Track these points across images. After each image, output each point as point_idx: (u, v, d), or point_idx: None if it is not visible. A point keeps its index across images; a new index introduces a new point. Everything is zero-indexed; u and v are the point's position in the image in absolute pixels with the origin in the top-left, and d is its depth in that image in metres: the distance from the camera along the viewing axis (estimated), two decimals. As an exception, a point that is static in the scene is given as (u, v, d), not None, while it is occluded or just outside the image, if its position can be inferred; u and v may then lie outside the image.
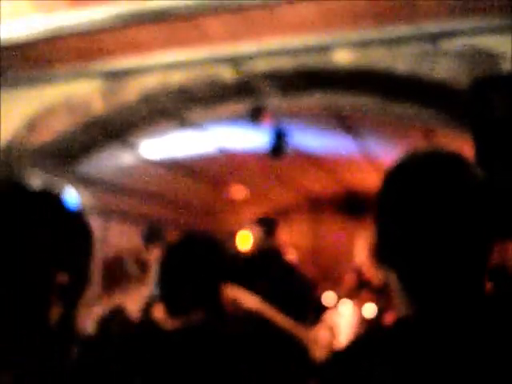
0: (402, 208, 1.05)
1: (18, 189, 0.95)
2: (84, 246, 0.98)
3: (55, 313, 0.89)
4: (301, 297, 6.23)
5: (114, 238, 7.28)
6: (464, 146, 4.27)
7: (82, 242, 0.97)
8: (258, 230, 4.99)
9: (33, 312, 0.87)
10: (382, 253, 1.08)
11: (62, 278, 0.89)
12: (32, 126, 4.56)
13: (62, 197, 0.99)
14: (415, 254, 1.02)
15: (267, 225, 5.12)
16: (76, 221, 0.97)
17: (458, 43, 3.41)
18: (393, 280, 1.07)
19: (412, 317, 1.03)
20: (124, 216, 7.40)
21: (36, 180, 4.62)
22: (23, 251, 0.85)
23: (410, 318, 1.04)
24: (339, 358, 1.12)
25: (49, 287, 0.88)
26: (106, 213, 7.07)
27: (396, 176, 1.10)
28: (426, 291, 1.03)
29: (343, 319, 7.53)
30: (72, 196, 3.57)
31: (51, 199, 0.98)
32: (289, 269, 5.38)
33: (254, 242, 5.15)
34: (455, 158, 1.08)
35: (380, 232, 1.08)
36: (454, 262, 1.01)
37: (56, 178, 4.89)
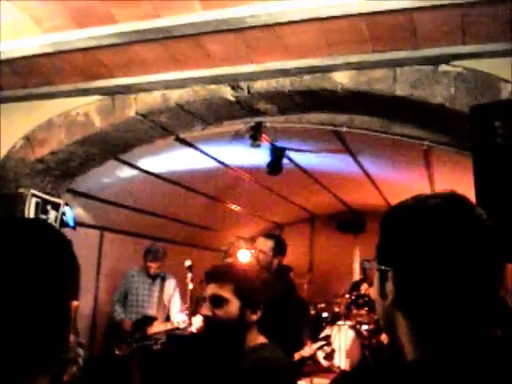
0: (421, 255, 1.04)
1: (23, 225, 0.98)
2: (79, 275, 1.00)
3: (72, 337, 0.95)
4: (300, 315, 6.25)
5: (110, 252, 7.26)
6: (461, 166, 4.29)
7: (78, 271, 1.00)
8: (268, 246, 4.96)
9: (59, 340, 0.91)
10: (400, 300, 1.07)
11: (75, 305, 0.94)
12: (30, 141, 4.56)
13: (54, 228, 1.03)
14: (432, 302, 1.03)
15: (278, 242, 5.11)
16: (72, 250, 1.00)
17: (457, 67, 3.42)
18: (403, 325, 1.07)
19: (421, 359, 1.04)
20: (122, 231, 7.38)
21: (33, 195, 4.61)
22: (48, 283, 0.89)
23: (419, 361, 1.04)
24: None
25: (69, 313, 0.93)
26: (104, 228, 7.07)
27: (414, 222, 1.08)
28: (437, 337, 1.03)
29: (342, 338, 7.54)
30: (69, 211, 3.54)
31: (53, 231, 1.01)
32: (292, 286, 5.37)
33: (256, 257, 5.10)
34: (462, 202, 1.09)
35: (400, 280, 1.06)
36: (467, 308, 1.03)
37: (54, 194, 4.87)
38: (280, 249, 4.90)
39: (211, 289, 2.39)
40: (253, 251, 4.75)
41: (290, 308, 4.94)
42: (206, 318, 2.37)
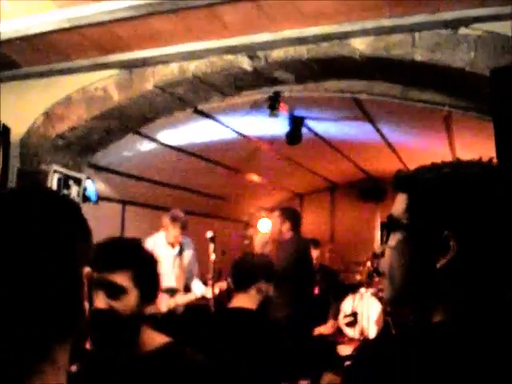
0: (486, 219, 1.09)
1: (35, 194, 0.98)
2: (90, 240, 1.00)
3: (87, 305, 0.93)
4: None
5: (133, 225, 7.33)
6: (482, 131, 4.25)
7: (89, 236, 0.99)
8: (283, 219, 5.05)
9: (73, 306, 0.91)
10: (456, 262, 1.09)
11: (86, 271, 0.93)
12: (50, 117, 4.59)
13: (66, 196, 1.03)
14: (487, 265, 1.08)
15: (293, 216, 5.17)
16: (80, 215, 1.00)
17: (477, 30, 3.37)
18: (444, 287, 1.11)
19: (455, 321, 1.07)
20: (143, 204, 7.44)
21: (55, 171, 4.65)
22: (56, 249, 0.88)
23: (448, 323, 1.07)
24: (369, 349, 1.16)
25: (81, 280, 0.92)
26: (126, 201, 7.13)
27: (478, 187, 1.11)
28: (478, 301, 1.07)
29: (364, 306, 7.58)
30: (91, 186, 3.58)
31: (64, 199, 1.00)
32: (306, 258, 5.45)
33: (273, 228, 5.17)
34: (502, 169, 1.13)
35: (463, 242, 1.08)
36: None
37: (75, 169, 4.92)
38: (287, 216, 4.97)
39: (106, 276, 1.88)
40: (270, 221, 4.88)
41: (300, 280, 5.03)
42: (101, 313, 1.84)
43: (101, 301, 1.83)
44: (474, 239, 1.07)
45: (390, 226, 1.20)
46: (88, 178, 5.13)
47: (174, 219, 6.09)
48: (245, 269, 3.13)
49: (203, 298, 6.13)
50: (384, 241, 1.22)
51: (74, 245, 0.92)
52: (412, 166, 1.26)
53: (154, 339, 1.95)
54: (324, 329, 5.93)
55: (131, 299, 1.89)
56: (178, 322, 6.02)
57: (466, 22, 3.37)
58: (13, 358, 0.83)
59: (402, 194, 1.20)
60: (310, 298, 5.72)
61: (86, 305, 0.93)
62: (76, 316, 0.91)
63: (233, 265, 3.20)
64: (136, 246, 2.05)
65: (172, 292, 6.18)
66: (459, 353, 0.99)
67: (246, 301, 3.03)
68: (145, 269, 1.96)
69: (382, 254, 1.22)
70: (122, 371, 1.85)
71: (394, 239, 1.17)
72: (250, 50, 3.96)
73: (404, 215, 1.16)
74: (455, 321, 1.05)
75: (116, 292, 1.86)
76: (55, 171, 4.64)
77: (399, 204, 1.19)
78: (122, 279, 1.88)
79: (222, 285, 6.19)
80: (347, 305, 7.70)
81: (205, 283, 6.10)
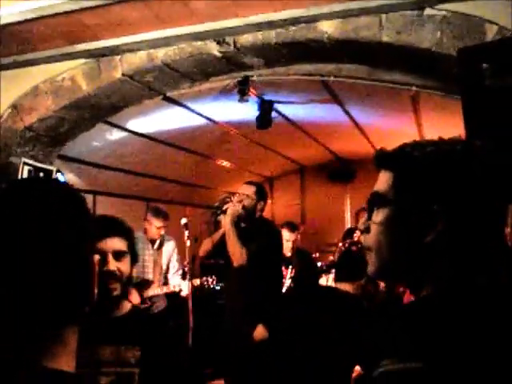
0: (474, 196, 1.16)
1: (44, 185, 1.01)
2: (93, 229, 1.04)
3: (96, 290, 0.98)
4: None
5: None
6: (449, 110, 4.32)
7: (93, 225, 1.04)
8: (252, 190, 4.97)
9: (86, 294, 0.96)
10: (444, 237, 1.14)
11: (96, 259, 0.98)
12: (18, 109, 4.53)
13: (71, 187, 1.05)
14: (470, 239, 1.15)
15: (260, 188, 5.12)
16: (86, 205, 1.03)
17: (442, 10, 3.41)
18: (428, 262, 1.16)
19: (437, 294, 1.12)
20: (114, 194, 7.39)
21: (24, 163, 4.60)
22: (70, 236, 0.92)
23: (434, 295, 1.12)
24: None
25: (91, 266, 0.97)
26: (96, 192, 7.07)
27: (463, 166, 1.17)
28: (460, 274, 1.12)
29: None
30: (62, 178, 3.58)
31: (69, 191, 1.04)
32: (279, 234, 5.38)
33: (240, 201, 5.08)
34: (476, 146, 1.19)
35: (451, 217, 1.13)
36: (488, 247, 1.15)
37: (45, 161, 4.87)
38: (262, 194, 4.93)
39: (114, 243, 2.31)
40: (235, 197, 4.76)
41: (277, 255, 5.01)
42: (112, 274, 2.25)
43: (110, 263, 2.25)
44: (460, 213, 1.12)
45: (375, 202, 1.23)
46: (58, 169, 5.08)
47: (156, 212, 6.16)
48: (359, 262, 3.47)
49: (178, 291, 6.15)
50: (368, 217, 1.25)
51: (85, 233, 0.95)
52: (381, 147, 1.30)
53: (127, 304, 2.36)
54: None
55: (128, 260, 2.34)
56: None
57: (432, 2, 3.41)
58: (27, 341, 0.86)
59: (386, 171, 1.23)
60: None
61: (96, 289, 0.97)
62: (87, 301, 0.95)
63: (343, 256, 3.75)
64: (122, 220, 2.48)
65: (145, 284, 6.19)
66: (442, 325, 1.02)
67: (350, 289, 3.50)
68: (132, 237, 2.42)
69: (367, 230, 1.24)
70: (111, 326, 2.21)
71: (380, 215, 1.20)
72: (219, 36, 3.95)
73: (390, 191, 1.19)
74: (441, 294, 1.10)
75: (120, 255, 2.30)
76: (25, 164, 4.59)
77: (384, 181, 1.22)
78: (122, 245, 2.32)
79: (195, 282, 6.23)
80: (321, 285, 7.78)
81: (183, 277, 6.13)
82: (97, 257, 0.97)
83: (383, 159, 1.25)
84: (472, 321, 1.01)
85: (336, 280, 3.82)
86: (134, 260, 2.41)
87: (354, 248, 8.55)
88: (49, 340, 0.88)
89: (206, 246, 5.02)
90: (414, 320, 1.06)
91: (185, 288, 5.71)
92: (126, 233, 2.40)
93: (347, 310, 3.22)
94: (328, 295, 3.64)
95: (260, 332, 4.41)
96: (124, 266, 2.31)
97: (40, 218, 0.89)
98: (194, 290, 5.77)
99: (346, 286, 3.55)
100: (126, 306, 2.34)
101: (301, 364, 3.05)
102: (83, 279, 0.94)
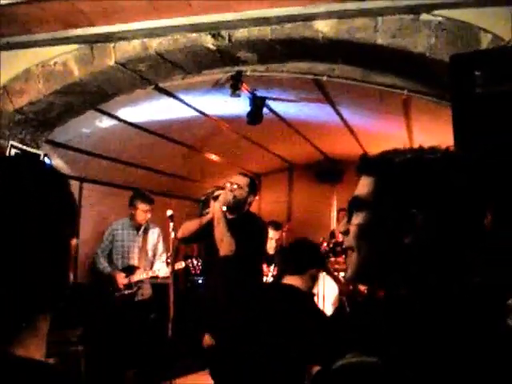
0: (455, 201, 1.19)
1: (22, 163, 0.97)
2: (76, 212, 1.01)
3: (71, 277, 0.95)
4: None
5: (90, 203, 7.26)
6: (440, 116, 4.33)
7: (75, 208, 1.01)
8: (245, 181, 4.91)
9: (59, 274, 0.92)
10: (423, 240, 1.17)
11: (74, 243, 0.95)
12: (8, 91, 4.50)
13: (55, 168, 1.01)
14: (447, 242, 1.18)
15: (252, 180, 5.08)
16: (68, 186, 0.99)
17: (438, 16, 3.43)
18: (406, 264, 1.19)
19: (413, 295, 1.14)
20: (101, 182, 7.37)
21: (12, 146, 4.57)
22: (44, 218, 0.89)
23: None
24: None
25: (67, 251, 0.93)
26: (83, 179, 7.04)
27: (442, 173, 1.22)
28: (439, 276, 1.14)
29: (320, 285, 7.68)
30: (48, 162, 3.58)
31: (52, 171, 1.00)
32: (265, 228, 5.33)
33: (231, 191, 5.02)
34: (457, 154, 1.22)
35: (430, 222, 1.16)
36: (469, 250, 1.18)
37: (33, 145, 4.84)
38: (254, 188, 4.87)
39: None
40: (228, 185, 4.69)
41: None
42: None
43: None
44: (437, 217, 1.16)
45: (355, 205, 1.26)
46: (45, 154, 5.05)
47: (142, 196, 6.26)
48: (303, 254, 3.41)
49: (161, 276, 6.20)
50: (348, 220, 1.28)
51: (62, 216, 0.92)
52: (370, 149, 1.34)
53: None
54: None
55: None
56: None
57: (428, 7, 3.43)
58: None
59: (368, 176, 1.26)
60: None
61: (71, 275, 0.94)
62: (61, 287, 0.92)
63: (289, 248, 3.61)
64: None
65: (130, 269, 6.23)
66: (405, 324, 1.05)
67: (299, 282, 3.41)
68: None
69: (346, 233, 1.27)
70: None
71: (360, 218, 1.24)
72: (214, 29, 3.94)
73: (370, 196, 1.23)
74: (411, 295, 1.12)
75: None
76: (12, 146, 4.56)
77: (365, 186, 1.26)
78: None
79: (180, 264, 6.27)
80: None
81: (166, 263, 6.19)
82: (74, 241, 0.95)
83: (365, 165, 1.30)
84: (435, 323, 1.03)
85: (282, 273, 3.71)
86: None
87: (338, 248, 8.59)
88: (19, 327, 0.86)
89: (191, 227, 4.78)
90: (379, 317, 1.09)
91: (168, 272, 5.75)
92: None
93: (293, 306, 3.20)
94: (273, 292, 3.60)
95: (206, 340, 4.37)
96: None
97: (13, 198, 0.85)
98: (177, 275, 5.82)
99: (294, 280, 3.48)
100: None
101: (257, 361, 3.03)
102: (58, 265, 0.91)
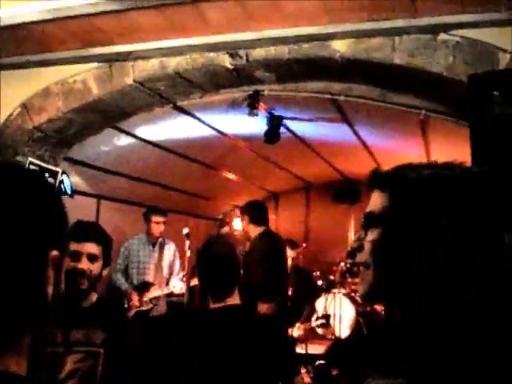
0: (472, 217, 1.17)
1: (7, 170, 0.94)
2: (65, 225, 0.98)
3: (51, 289, 0.90)
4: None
5: (107, 220, 7.29)
6: (458, 136, 4.32)
7: (65, 221, 0.97)
8: (242, 215, 4.99)
9: (34, 287, 0.88)
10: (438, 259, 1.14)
11: (53, 255, 0.90)
12: (28, 108, 4.55)
13: (44, 177, 0.98)
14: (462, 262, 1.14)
15: (250, 208, 5.11)
16: (59, 200, 0.97)
17: (456, 36, 3.42)
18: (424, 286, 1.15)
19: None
20: (119, 199, 7.41)
21: (30, 162, 4.61)
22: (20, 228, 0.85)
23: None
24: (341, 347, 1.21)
25: (45, 263, 0.89)
26: (101, 196, 7.08)
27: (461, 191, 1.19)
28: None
29: (336, 306, 7.62)
30: (67, 180, 3.64)
31: (38, 179, 0.96)
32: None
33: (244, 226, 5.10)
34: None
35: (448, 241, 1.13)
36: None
37: (51, 162, 4.88)
38: (244, 209, 4.92)
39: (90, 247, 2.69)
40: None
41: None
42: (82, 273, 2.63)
43: (83, 263, 2.63)
44: (454, 232, 1.12)
45: (370, 222, 1.24)
46: (64, 171, 5.09)
47: (154, 209, 6.29)
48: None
49: (177, 293, 6.20)
50: (361, 237, 1.26)
51: (40, 227, 0.89)
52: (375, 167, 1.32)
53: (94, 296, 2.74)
54: (294, 332, 5.95)
55: (100, 264, 2.72)
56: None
57: (446, 27, 3.43)
58: None
59: (380, 192, 1.24)
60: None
61: (50, 289, 0.90)
62: (38, 302, 0.89)
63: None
64: (100, 226, 2.90)
65: (146, 286, 6.24)
66: (429, 345, 1.03)
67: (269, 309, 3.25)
68: (107, 243, 2.79)
69: (359, 249, 1.25)
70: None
71: (374, 234, 1.21)
72: (232, 48, 3.97)
73: (384, 211, 1.20)
74: (429, 314, 1.10)
75: (93, 258, 2.67)
76: (31, 163, 4.60)
77: (378, 201, 1.23)
78: (96, 250, 2.69)
79: (195, 281, 6.26)
80: (320, 305, 7.75)
81: (182, 280, 6.20)
82: (54, 253, 0.90)
83: (378, 180, 1.27)
84: (462, 342, 1.01)
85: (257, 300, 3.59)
86: (107, 264, 2.79)
87: (355, 269, 8.53)
88: None
89: None
90: (398, 337, 1.06)
91: (183, 289, 5.80)
92: (102, 239, 2.76)
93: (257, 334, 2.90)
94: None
95: None
96: (95, 267, 2.69)
97: None
98: (193, 292, 5.82)
99: (265, 307, 3.41)
100: (92, 299, 2.72)
101: None
102: (35, 281, 0.87)
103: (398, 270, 1.17)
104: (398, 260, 1.17)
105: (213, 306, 2.70)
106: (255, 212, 5.38)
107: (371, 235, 1.22)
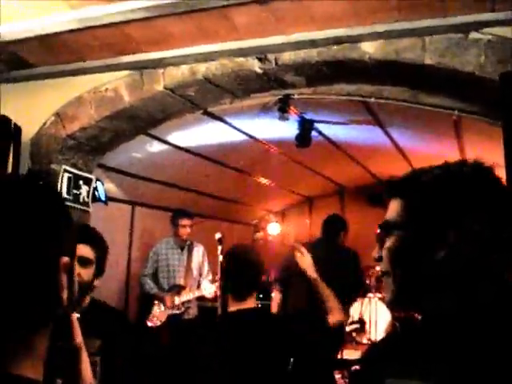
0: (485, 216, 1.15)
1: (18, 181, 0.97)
2: (73, 232, 1.00)
3: (65, 294, 0.92)
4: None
5: (142, 226, 7.36)
6: (492, 137, 4.25)
7: (72, 228, 0.99)
8: None
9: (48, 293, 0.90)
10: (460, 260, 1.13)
11: (64, 261, 0.91)
12: (61, 117, 4.62)
13: (51, 185, 0.99)
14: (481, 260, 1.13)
15: None
16: (65, 208, 0.99)
17: (487, 34, 3.37)
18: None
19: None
20: (153, 206, 7.47)
21: (65, 170, 4.68)
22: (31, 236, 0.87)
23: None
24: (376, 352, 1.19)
25: (57, 269, 0.90)
26: (135, 202, 7.15)
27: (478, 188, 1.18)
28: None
29: (372, 311, 7.56)
30: (101, 187, 3.66)
31: (46, 188, 0.98)
32: None
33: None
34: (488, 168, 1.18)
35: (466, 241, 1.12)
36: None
37: (85, 169, 4.94)
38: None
39: (81, 249, 2.44)
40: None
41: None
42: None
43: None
44: (468, 233, 1.11)
45: (386, 229, 1.23)
46: (98, 178, 5.15)
47: (180, 212, 6.36)
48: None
49: (207, 296, 6.25)
50: (380, 246, 1.25)
51: (52, 234, 0.90)
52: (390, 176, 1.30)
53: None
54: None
55: (92, 270, 2.50)
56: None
57: (477, 26, 3.37)
58: None
59: (396, 199, 1.25)
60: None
61: (65, 294, 0.91)
62: (52, 305, 0.90)
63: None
64: (96, 231, 2.68)
65: (176, 288, 6.28)
66: (454, 347, 1.01)
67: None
68: (103, 250, 2.58)
69: (380, 259, 1.24)
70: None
71: (391, 241, 1.22)
72: (261, 53, 3.97)
73: (399, 218, 1.21)
74: (452, 315, 1.08)
75: (85, 262, 2.44)
76: (65, 171, 4.67)
77: (393, 209, 1.25)
78: (89, 253, 2.46)
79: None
80: (355, 310, 7.69)
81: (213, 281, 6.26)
82: (65, 259, 0.91)
83: (392, 188, 1.27)
84: (485, 344, 0.98)
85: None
86: (100, 273, 2.57)
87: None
88: (14, 346, 0.85)
89: None
90: (426, 340, 1.04)
91: (214, 291, 5.89)
92: (97, 243, 2.55)
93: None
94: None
95: None
96: (86, 273, 2.46)
97: (7, 215, 0.85)
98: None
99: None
100: (85, 302, 2.55)
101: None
102: (47, 283, 0.89)
103: (415, 275, 1.16)
104: (413, 264, 1.16)
105: (231, 308, 2.83)
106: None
107: (388, 243, 1.21)
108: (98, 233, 2.67)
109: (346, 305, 6.36)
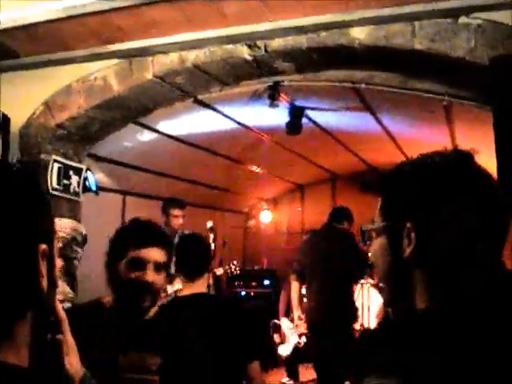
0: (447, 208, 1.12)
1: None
2: (51, 218, 0.98)
3: (45, 282, 0.91)
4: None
5: (133, 216, 7.32)
6: (483, 121, 4.25)
7: (50, 215, 0.98)
8: None
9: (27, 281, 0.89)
10: (421, 252, 1.11)
11: (42, 248, 0.90)
12: (50, 107, 4.58)
13: (31, 174, 0.98)
14: (453, 251, 1.11)
15: None
16: (42, 194, 0.96)
17: (477, 19, 3.35)
18: (418, 278, 1.13)
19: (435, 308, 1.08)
20: (144, 195, 7.44)
21: (54, 160, 4.65)
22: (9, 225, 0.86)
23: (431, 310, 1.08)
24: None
25: (35, 257, 0.89)
26: (126, 192, 7.12)
27: (438, 177, 1.16)
28: (455, 286, 1.09)
29: (365, 297, 7.59)
30: (91, 176, 3.60)
31: (20, 175, 0.95)
32: None
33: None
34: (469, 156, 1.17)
35: (424, 233, 1.11)
36: (483, 257, 1.10)
37: (75, 159, 4.91)
38: None
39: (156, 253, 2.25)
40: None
41: None
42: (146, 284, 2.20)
43: (149, 274, 2.19)
44: (449, 223, 1.09)
45: (369, 226, 1.29)
46: (88, 168, 5.12)
47: (172, 201, 6.26)
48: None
49: None
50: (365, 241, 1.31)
51: (29, 221, 0.89)
52: (413, 157, 1.29)
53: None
54: None
55: (165, 274, 2.29)
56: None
57: (466, 10, 3.36)
58: None
59: (380, 197, 1.27)
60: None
61: (44, 281, 0.91)
62: (32, 293, 0.89)
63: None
64: (163, 229, 2.55)
65: (168, 278, 6.26)
66: (425, 343, 1.00)
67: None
68: (170, 250, 2.39)
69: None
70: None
71: (372, 238, 1.25)
72: (250, 40, 3.94)
73: (377, 217, 1.23)
74: (425, 312, 1.09)
75: (159, 267, 2.22)
76: (55, 161, 4.64)
77: (377, 208, 1.26)
78: (162, 257, 2.24)
79: (219, 270, 6.28)
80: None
81: None
82: (43, 246, 0.90)
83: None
84: (474, 336, 0.98)
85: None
86: (168, 274, 2.39)
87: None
88: None
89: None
90: (397, 336, 1.04)
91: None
92: (168, 245, 2.33)
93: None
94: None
95: None
96: (161, 279, 2.24)
97: None
98: (219, 281, 5.85)
99: None
100: (152, 312, 2.30)
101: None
102: (26, 271, 0.88)
103: (388, 270, 1.17)
104: (386, 260, 1.16)
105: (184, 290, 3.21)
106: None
107: (371, 247, 1.24)
108: (164, 230, 2.51)
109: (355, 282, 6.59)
